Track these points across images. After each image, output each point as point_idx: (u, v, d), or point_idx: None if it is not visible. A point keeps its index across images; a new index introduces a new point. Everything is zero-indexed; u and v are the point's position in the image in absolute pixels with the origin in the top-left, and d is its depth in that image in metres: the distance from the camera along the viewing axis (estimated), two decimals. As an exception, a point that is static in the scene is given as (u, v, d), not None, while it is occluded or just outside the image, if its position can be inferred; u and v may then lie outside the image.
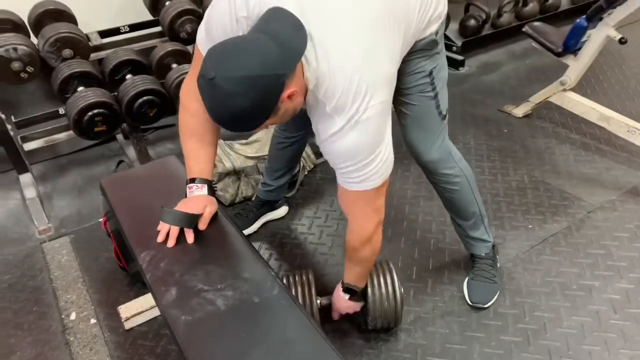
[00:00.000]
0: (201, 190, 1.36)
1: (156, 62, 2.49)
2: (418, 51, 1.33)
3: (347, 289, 1.50)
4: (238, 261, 1.32)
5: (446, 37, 3.33)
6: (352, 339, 1.64)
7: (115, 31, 2.71)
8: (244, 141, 2.39)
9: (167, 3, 2.66)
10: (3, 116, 2.19)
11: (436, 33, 1.33)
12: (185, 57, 2.51)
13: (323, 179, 2.38)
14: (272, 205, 2.11)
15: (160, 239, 1.33)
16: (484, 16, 3.33)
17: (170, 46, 2.52)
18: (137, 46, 2.68)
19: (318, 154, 2.42)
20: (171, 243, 1.31)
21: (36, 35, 2.45)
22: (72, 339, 1.70)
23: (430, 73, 1.39)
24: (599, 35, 2.29)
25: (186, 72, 1.53)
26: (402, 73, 1.29)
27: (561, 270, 1.84)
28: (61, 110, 2.36)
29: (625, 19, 2.22)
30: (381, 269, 1.55)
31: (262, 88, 0.98)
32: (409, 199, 2.22)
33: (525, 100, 2.74)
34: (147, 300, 1.72)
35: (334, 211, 2.18)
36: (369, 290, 1.52)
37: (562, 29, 2.55)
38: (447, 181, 1.60)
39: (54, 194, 2.39)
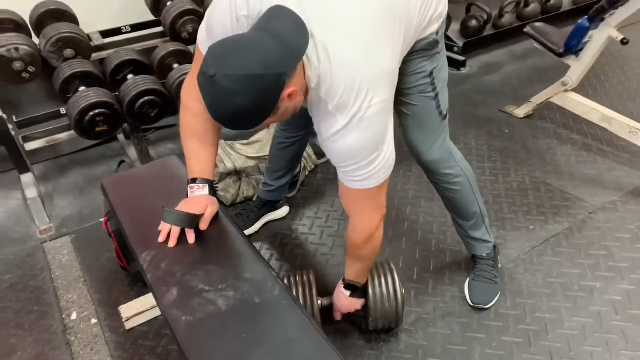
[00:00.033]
0: (202, 190, 1.36)
1: (157, 62, 2.49)
2: (419, 51, 1.33)
3: (348, 286, 1.50)
4: (239, 261, 1.32)
5: (447, 37, 3.33)
6: (353, 339, 1.64)
7: (117, 31, 2.71)
8: (245, 141, 2.39)
9: (168, 3, 2.66)
10: (4, 116, 2.19)
11: (437, 33, 1.33)
12: (186, 58, 2.51)
13: (324, 180, 2.38)
14: (273, 206, 2.11)
15: (161, 239, 1.32)
16: (485, 17, 3.32)
17: (172, 46, 2.52)
18: (138, 46, 2.69)
19: (319, 154, 2.42)
20: (172, 243, 1.31)
21: (38, 35, 2.46)
22: (73, 338, 1.70)
23: (431, 73, 1.39)
24: (601, 36, 2.29)
25: (187, 73, 1.53)
26: (402, 73, 1.29)
27: (562, 271, 1.84)
28: (62, 110, 2.36)
29: (627, 19, 2.22)
30: (382, 270, 1.55)
31: (262, 87, 0.98)
32: (410, 199, 2.22)
33: (527, 101, 2.73)
34: (148, 300, 1.72)
35: (335, 212, 2.18)
36: (370, 290, 1.52)
37: (563, 29, 2.55)
38: (448, 181, 1.60)
39: (55, 193, 2.39)
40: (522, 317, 1.68)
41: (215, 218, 1.39)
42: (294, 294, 1.51)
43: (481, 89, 3.10)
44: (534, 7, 3.50)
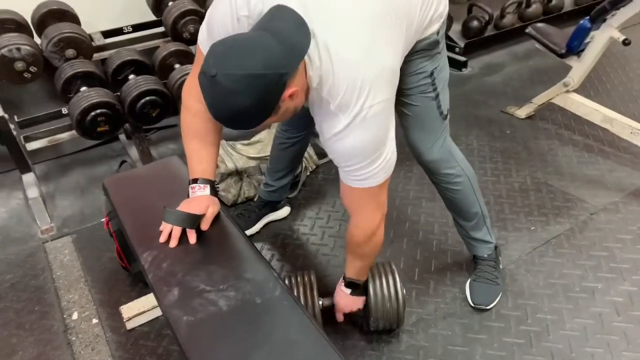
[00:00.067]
0: (203, 190, 1.36)
1: (159, 62, 2.50)
2: (419, 51, 1.33)
3: (349, 284, 1.50)
4: (240, 262, 1.32)
5: (449, 38, 3.33)
6: (354, 340, 1.64)
7: (118, 31, 2.71)
8: (246, 141, 2.39)
9: (170, 3, 2.66)
10: (6, 116, 2.19)
11: (437, 33, 1.33)
12: (188, 58, 2.51)
13: (325, 180, 2.38)
14: (274, 206, 2.11)
15: (162, 239, 1.32)
16: (486, 17, 3.32)
17: (173, 46, 2.52)
18: (140, 46, 2.69)
19: (320, 154, 2.42)
20: (173, 243, 1.31)
21: (39, 35, 2.46)
22: (73, 338, 1.70)
23: (432, 74, 1.39)
24: (603, 37, 2.29)
25: (189, 73, 1.53)
26: (403, 73, 1.29)
27: (564, 272, 1.83)
28: (64, 110, 2.37)
29: (629, 20, 2.21)
30: (383, 270, 1.55)
31: (263, 87, 0.97)
32: (411, 200, 2.22)
33: (528, 102, 2.73)
34: (149, 300, 1.72)
35: (336, 212, 2.18)
36: (371, 291, 1.51)
37: (565, 30, 2.55)
38: (449, 181, 1.60)
39: (57, 193, 2.39)
40: (523, 318, 1.68)
41: (217, 218, 1.39)
42: (295, 294, 1.50)
43: (482, 89, 3.10)
44: (535, 7, 3.50)
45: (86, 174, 2.51)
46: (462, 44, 3.33)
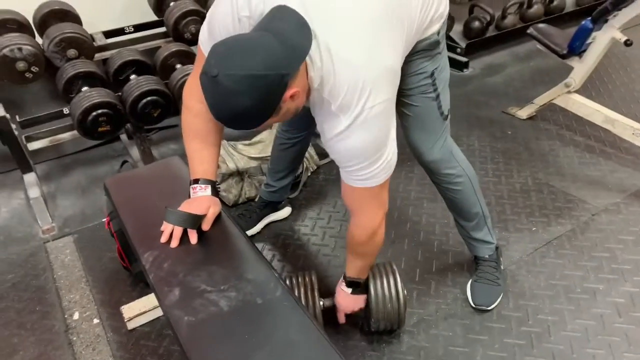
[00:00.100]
0: (205, 191, 1.36)
1: (160, 62, 2.50)
2: (420, 52, 1.33)
3: (350, 283, 1.50)
4: (241, 262, 1.32)
5: (450, 38, 3.33)
6: (355, 341, 1.64)
7: (120, 31, 2.72)
8: (247, 142, 2.39)
9: (171, 4, 2.66)
10: (8, 116, 2.20)
11: (438, 33, 1.33)
12: (189, 58, 2.51)
13: (326, 180, 2.37)
14: (275, 206, 2.11)
15: (163, 239, 1.32)
16: (488, 18, 3.32)
17: (175, 47, 2.53)
18: (141, 46, 2.69)
19: (321, 155, 2.42)
20: (174, 243, 1.31)
21: (41, 35, 2.46)
22: (74, 338, 1.70)
23: (432, 74, 1.39)
24: (604, 37, 2.29)
25: (190, 73, 1.53)
26: (403, 74, 1.29)
27: (565, 273, 1.83)
28: (65, 110, 2.37)
29: (630, 21, 2.21)
30: (384, 271, 1.55)
31: (264, 87, 0.97)
32: (412, 200, 2.22)
33: (530, 102, 2.73)
34: (150, 300, 1.72)
35: (337, 212, 2.18)
36: (372, 291, 1.51)
37: (567, 30, 2.54)
38: (449, 181, 1.60)
39: (58, 193, 2.39)
40: (524, 319, 1.68)
41: (218, 218, 1.39)
42: (296, 295, 1.51)
43: (484, 90, 3.10)
44: (537, 8, 3.50)
45: (87, 174, 2.51)
46: (463, 44, 3.32)
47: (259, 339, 1.08)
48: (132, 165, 2.45)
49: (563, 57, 2.43)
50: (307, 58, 1.03)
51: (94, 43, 2.53)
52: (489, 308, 1.71)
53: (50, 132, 2.40)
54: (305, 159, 2.27)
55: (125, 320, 1.69)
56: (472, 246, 1.78)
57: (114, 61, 2.47)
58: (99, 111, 2.21)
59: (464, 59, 3.30)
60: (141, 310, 1.71)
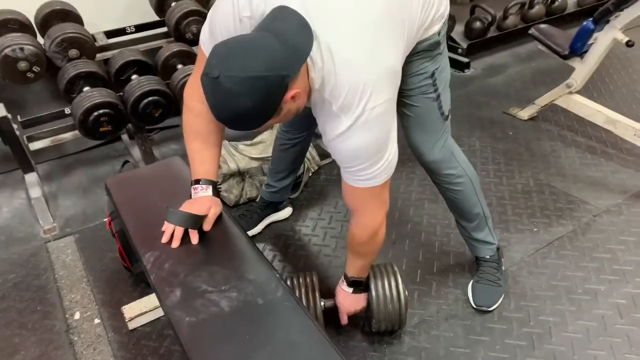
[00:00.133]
0: (206, 191, 1.36)
1: (162, 62, 2.50)
2: (420, 52, 1.33)
3: (351, 282, 1.50)
4: (242, 262, 1.32)
5: (452, 39, 3.32)
6: (356, 341, 1.64)
7: (121, 31, 2.72)
8: (248, 142, 2.39)
9: (173, 4, 2.67)
10: (9, 116, 2.20)
11: (439, 33, 1.33)
12: (190, 58, 2.51)
13: (327, 181, 2.37)
14: (276, 207, 2.11)
15: (164, 239, 1.32)
16: (489, 18, 3.32)
17: (176, 47, 2.53)
18: (142, 47, 2.69)
19: (322, 155, 2.42)
20: (176, 244, 1.31)
21: (42, 35, 2.47)
22: (75, 338, 1.70)
23: (433, 74, 1.39)
24: (606, 38, 2.28)
25: (191, 73, 1.53)
26: (404, 74, 1.29)
27: (566, 274, 1.83)
28: (67, 110, 2.37)
29: (632, 21, 2.21)
30: (385, 272, 1.55)
31: (265, 88, 0.98)
32: (413, 201, 2.22)
33: (531, 103, 2.73)
34: (151, 300, 1.72)
35: (338, 213, 2.18)
36: (373, 292, 1.51)
37: (568, 31, 2.55)
38: (450, 181, 1.60)
39: (59, 193, 2.40)
40: (525, 320, 1.68)
41: (219, 219, 1.39)
42: (297, 295, 1.51)
43: (485, 90, 3.10)
44: (538, 8, 3.50)
45: (89, 174, 2.51)
46: (464, 45, 3.32)
47: (260, 340, 1.08)
48: (134, 165, 2.45)
49: (564, 57, 2.43)
50: (308, 59, 1.03)
51: (95, 43, 2.53)
52: (490, 309, 1.71)
53: (52, 132, 2.40)
54: (306, 160, 2.27)
55: (126, 320, 1.69)
56: (473, 247, 1.78)
57: (115, 61, 2.47)
58: (101, 111, 2.21)
59: (465, 60, 3.30)
60: (142, 310, 1.71)
